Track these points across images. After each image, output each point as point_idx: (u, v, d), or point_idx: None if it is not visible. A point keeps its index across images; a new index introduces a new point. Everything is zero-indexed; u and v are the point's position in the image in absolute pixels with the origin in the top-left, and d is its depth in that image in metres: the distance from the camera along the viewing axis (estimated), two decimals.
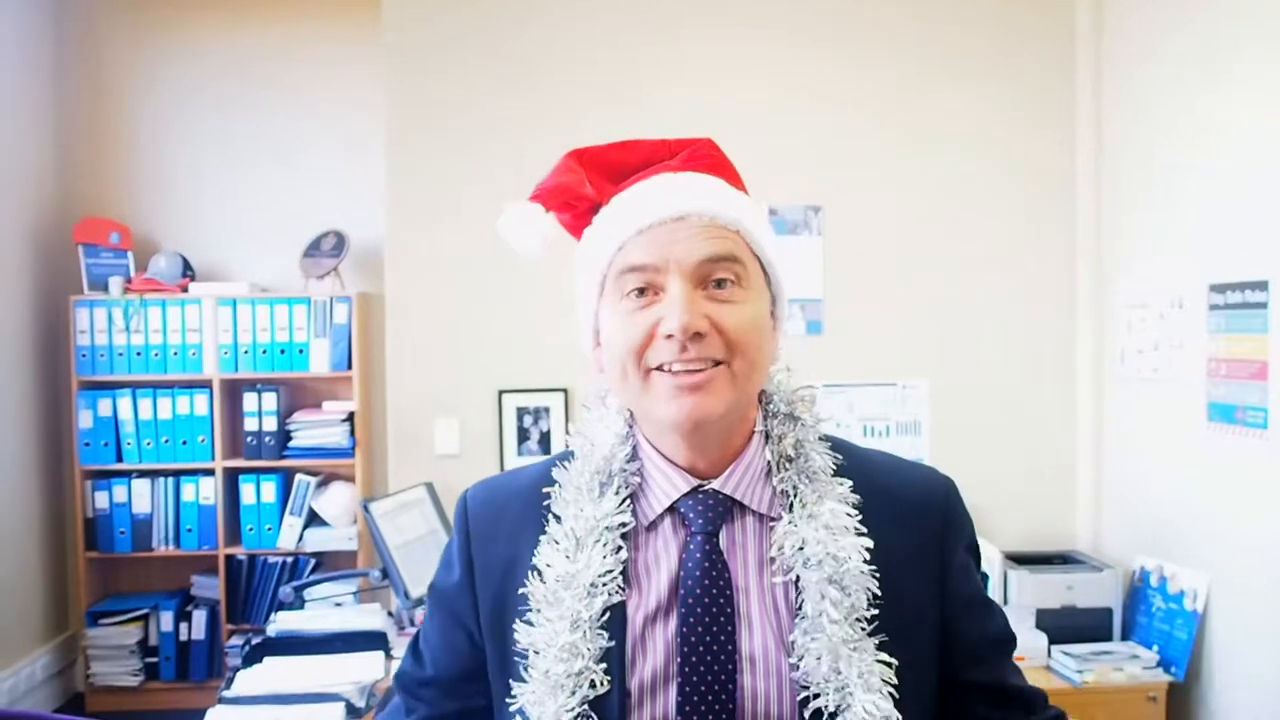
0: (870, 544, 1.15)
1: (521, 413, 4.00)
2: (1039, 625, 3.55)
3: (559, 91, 3.96)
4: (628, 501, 1.20)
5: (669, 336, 1.13)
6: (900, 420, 4.03)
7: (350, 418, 4.52)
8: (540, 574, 1.17)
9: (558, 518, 1.20)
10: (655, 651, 1.15)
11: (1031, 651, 3.48)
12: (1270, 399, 3.02)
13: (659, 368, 1.15)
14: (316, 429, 4.52)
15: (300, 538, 4.48)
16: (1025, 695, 1.27)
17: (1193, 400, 3.38)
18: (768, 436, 1.22)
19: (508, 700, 1.17)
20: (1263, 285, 3.05)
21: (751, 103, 3.97)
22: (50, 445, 4.63)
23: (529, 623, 1.16)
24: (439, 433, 4.01)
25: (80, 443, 4.44)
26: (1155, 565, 3.56)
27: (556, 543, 1.18)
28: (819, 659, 1.11)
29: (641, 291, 1.16)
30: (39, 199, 4.59)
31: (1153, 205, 3.63)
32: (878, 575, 1.15)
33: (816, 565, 1.14)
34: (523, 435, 3.99)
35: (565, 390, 3.99)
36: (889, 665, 1.12)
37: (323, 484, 4.57)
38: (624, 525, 1.19)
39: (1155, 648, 3.46)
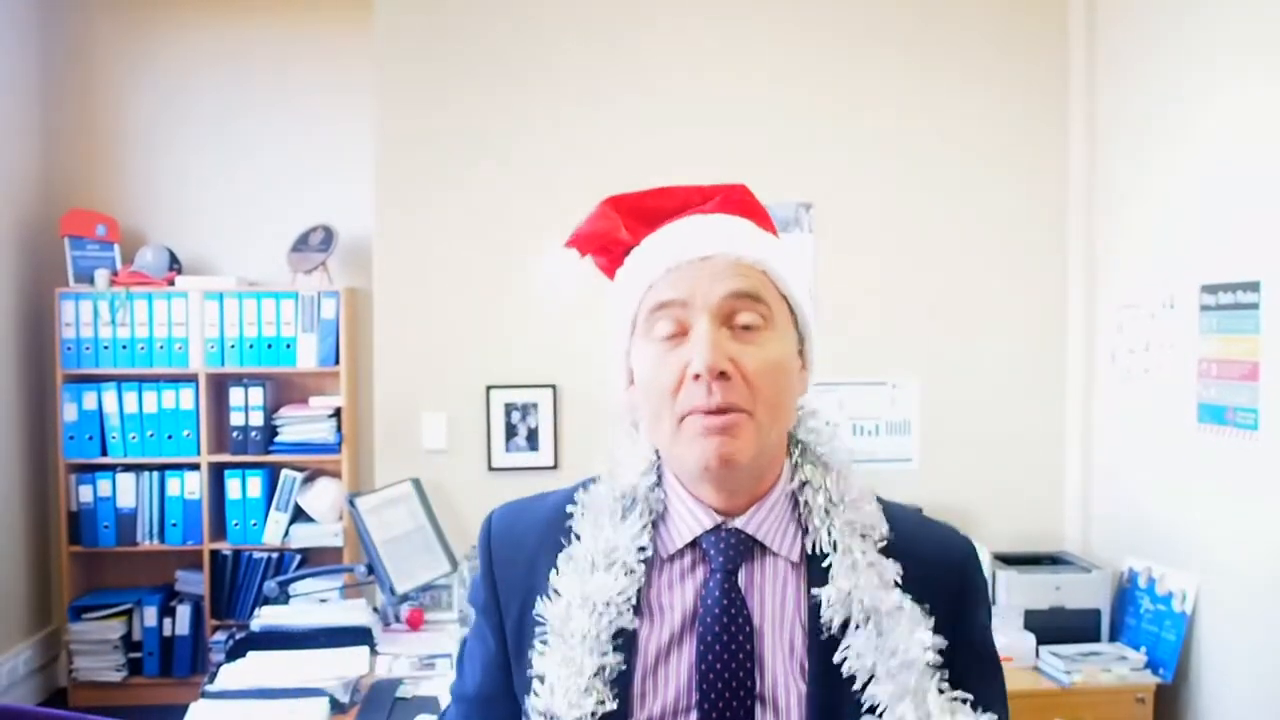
0: (909, 599, 1.15)
1: (509, 408, 3.98)
2: (1027, 626, 3.54)
3: (548, 89, 3.94)
4: (649, 528, 1.20)
5: (696, 377, 1.12)
6: (890, 419, 4.02)
7: (337, 413, 4.50)
8: (557, 592, 1.17)
9: (578, 537, 1.20)
10: (668, 683, 1.15)
11: (1019, 652, 3.48)
12: (1260, 400, 3.02)
13: (691, 414, 1.14)
14: (303, 424, 4.50)
15: (286, 533, 4.46)
16: None
17: (1183, 401, 3.37)
18: (794, 476, 1.22)
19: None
20: (1254, 286, 3.05)
21: (743, 99, 3.95)
22: (34, 438, 4.60)
23: (544, 641, 1.16)
24: (426, 428, 3.99)
25: (65, 436, 4.41)
26: (1144, 566, 3.56)
27: (574, 560, 1.18)
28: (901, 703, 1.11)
29: (671, 334, 1.16)
30: (25, 190, 4.56)
31: (1144, 205, 3.63)
32: None
33: (863, 620, 1.13)
34: (510, 431, 3.97)
35: (553, 386, 3.97)
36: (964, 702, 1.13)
37: (309, 479, 4.55)
38: (643, 550, 1.18)
39: (1143, 649, 3.45)
